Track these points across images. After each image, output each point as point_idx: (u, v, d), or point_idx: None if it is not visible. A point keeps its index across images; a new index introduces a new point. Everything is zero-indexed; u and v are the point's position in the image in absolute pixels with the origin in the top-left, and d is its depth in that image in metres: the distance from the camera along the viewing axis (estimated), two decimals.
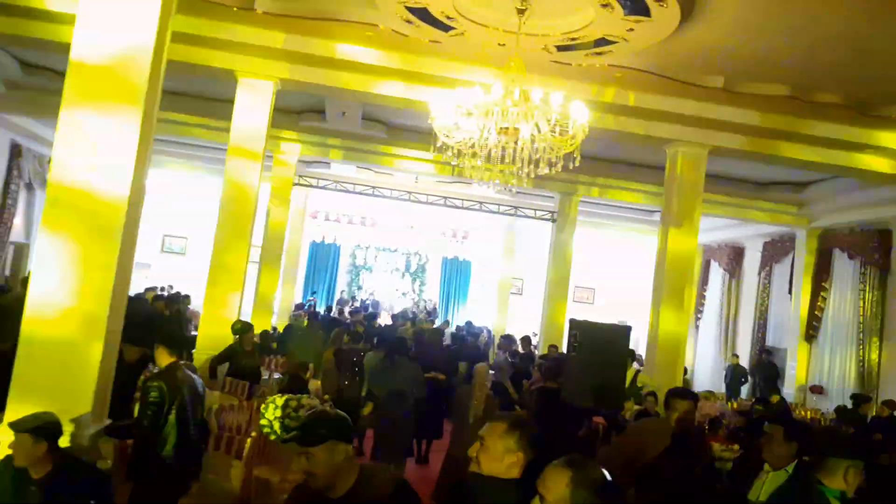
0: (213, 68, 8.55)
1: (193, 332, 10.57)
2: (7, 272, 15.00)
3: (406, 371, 7.80)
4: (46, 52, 9.87)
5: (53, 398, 4.15)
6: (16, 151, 14.42)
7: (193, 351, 8.43)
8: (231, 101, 8.71)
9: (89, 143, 4.44)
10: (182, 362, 4.99)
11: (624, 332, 6.92)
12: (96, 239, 4.43)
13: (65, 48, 4.74)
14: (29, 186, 15.35)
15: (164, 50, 4.85)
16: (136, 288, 16.75)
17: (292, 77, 8.55)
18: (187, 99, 11.76)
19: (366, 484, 2.76)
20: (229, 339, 8.16)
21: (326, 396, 7.95)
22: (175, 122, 12.12)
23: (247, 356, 7.96)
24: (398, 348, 8.11)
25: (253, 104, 8.59)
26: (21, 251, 15.64)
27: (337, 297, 21.50)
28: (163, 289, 15.55)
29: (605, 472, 2.15)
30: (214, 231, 8.63)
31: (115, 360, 4.70)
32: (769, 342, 16.00)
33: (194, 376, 4.95)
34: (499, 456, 2.60)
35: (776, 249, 16.03)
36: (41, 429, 3.66)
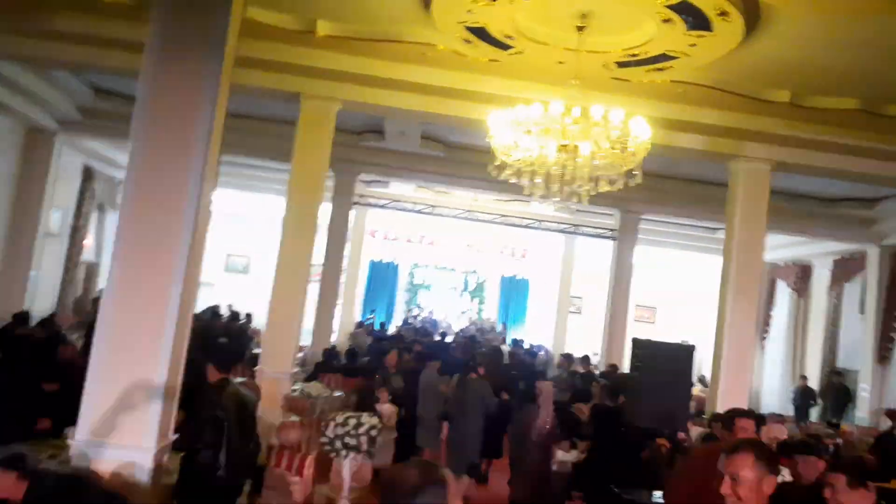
0: (277, 90, 8.75)
1: (256, 350, 10.75)
2: (79, 291, 15.51)
3: (478, 388, 7.88)
4: (118, 77, 10.24)
5: (119, 416, 4.25)
6: (88, 174, 14.95)
7: (256, 368, 8.55)
8: (293, 123, 8.88)
9: (158, 168, 4.57)
10: (239, 379, 5.07)
11: (688, 351, 6.78)
12: (163, 260, 4.54)
13: (134, 73, 4.90)
14: (100, 207, 15.88)
15: (229, 73, 4.97)
16: (200, 306, 17.18)
17: (354, 98, 8.68)
18: (251, 121, 12.03)
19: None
20: (288, 358, 8.29)
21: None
22: (238, 143, 12.39)
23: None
24: (471, 366, 8.24)
25: (315, 125, 8.75)
26: (92, 270, 16.17)
27: (400, 315, 21.66)
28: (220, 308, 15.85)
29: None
30: (277, 250, 8.78)
31: (178, 378, 4.77)
32: (840, 364, 15.43)
33: (245, 392, 5.01)
34: (756, 486, 2.55)
35: (846, 268, 15.49)
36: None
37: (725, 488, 2.57)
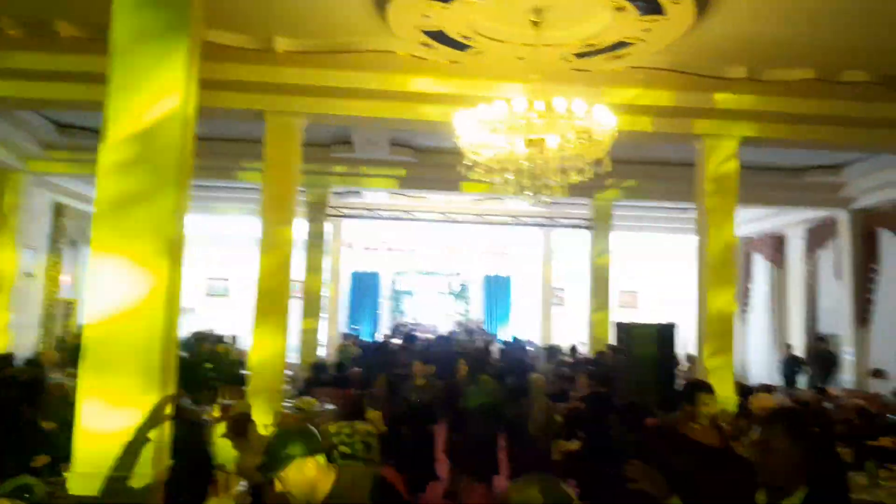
0: (241, 110, 8.76)
1: (243, 372, 10.72)
2: (59, 329, 15.37)
3: (486, 388, 7.92)
4: (80, 112, 10.19)
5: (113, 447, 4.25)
6: (58, 211, 14.83)
7: (244, 388, 8.54)
8: (260, 141, 8.89)
9: (128, 199, 4.56)
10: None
11: (670, 329, 6.86)
12: (141, 289, 4.54)
13: (97, 105, 4.89)
14: (73, 244, 15.76)
15: (194, 97, 4.98)
16: (184, 333, 17.08)
17: (318, 111, 8.71)
18: (218, 142, 12.01)
19: (344, 486, 2.88)
20: (277, 376, 8.29)
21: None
22: (207, 166, 12.37)
23: None
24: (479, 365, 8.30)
25: (282, 141, 8.76)
26: (71, 307, 16.03)
27: (388, 323, 21.69)
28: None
29: None
30: (256, 270, 8.77)
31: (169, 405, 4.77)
32: (822, 329, 15.67)
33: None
34: (783, 452, 2.66)
35: (819, 235, 15.72)
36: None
37: (757, 457, 2.71)
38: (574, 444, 7.70)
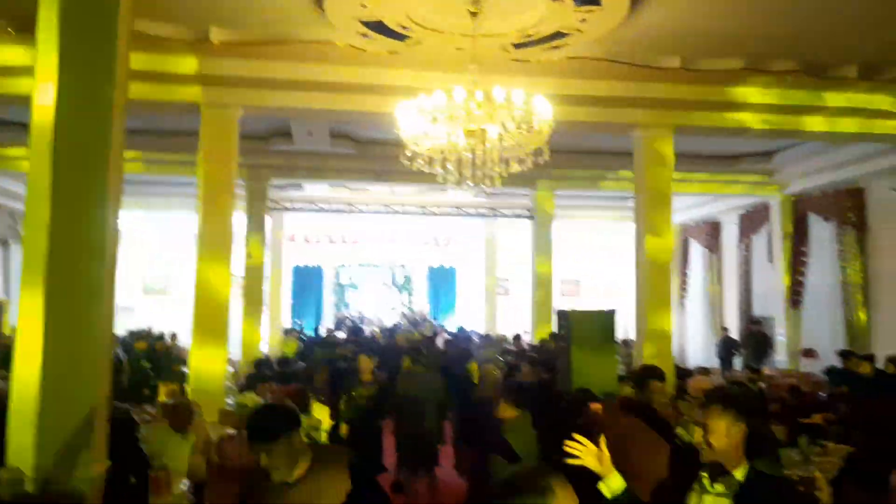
0: (175, 102, 8.57)
1: (185, 369, 10.53)
2: None
3: (424, 379, 7.89)
4: (4, 105, 9.82)
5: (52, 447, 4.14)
6: None
7: (186, 385, 8.40)
8: (196, 134, 8.71)
9: (59, 195, 4.43)
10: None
11: (610, 315, 6.97)
12: (74, 287, 4.41)
13: (24, 100, 4.73)
14: (4, 243, 15.21)
15: (125, 88, 4.86)
16: (121, 331, 16.68)
17: (255, 103, 8.58)
18: (153, 136, 11.75)
19: (320, 465, 2.89)
20: (219, 373, 8.16)
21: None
22: (142, 160, 12.11)
23: None
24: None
25: (218, 134, 8.60)
26: (2, 308, 15.48)
27: (332, 316, 21.51)
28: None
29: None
30: (195, 265, 8.62)
31: (107, 403, 4.67)
32: (756, 312, 16.16)
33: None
34: (724, 432, 2.73)
35: (752, 220, 16.21)
36: None
37: (698, 437, 2.80)
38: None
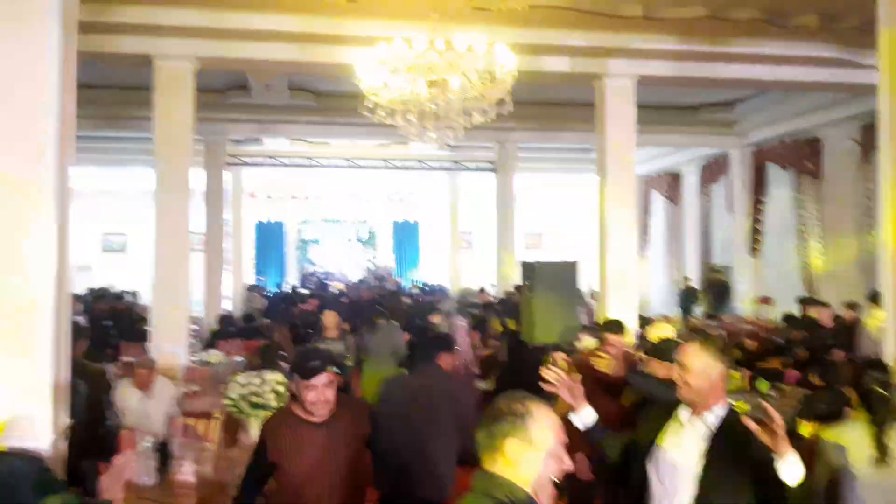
0: (127, 55, 8.30)
1: (146, 328, 10.41)
2: None
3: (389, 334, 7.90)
4: None
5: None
6: None
7: (148, 344, 8.30)
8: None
9: (7, 149, 4.28)
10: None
11: (572, 266, 7.01)
12: (29, 245, 4.30)
13: None
14: None
15: (74, 39, 4.68)
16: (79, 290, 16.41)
17: (210, 54, 8.33)
18: (106, 90, 11.41)
19: (344, 408, 3.17)
20: (181, 330, 8.11)
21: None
22: (96, 116, 11.76)
23: None
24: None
25: (173, 87, 8.36)
26: None
27: (295, 273, 21.39)
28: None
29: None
30: (153, 222, 8.46)
31: (67, 365, 4.59)
32: (716, 261, 16.44)
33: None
34: (701, 371, 2.75)
35: (712, 170, 16.37)
36: None
37: (675, 374, 2.83)
38: (489, 384, 7.88)
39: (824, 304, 10.04)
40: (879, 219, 5.73)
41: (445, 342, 4.63)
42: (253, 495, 3.25)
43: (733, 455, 2.62)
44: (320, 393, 3.05)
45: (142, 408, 5.72)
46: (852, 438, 3.26)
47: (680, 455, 2.75)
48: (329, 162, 16.17)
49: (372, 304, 10.89)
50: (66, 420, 4.48)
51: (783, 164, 14.06)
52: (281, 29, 8.02)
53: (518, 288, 12.09)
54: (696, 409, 2.78)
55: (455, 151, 16.41)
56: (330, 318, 7.94)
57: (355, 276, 21.06)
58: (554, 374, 2.97)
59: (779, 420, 2.42)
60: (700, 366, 2.76)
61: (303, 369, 3.07)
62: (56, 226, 4.43)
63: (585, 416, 2.98)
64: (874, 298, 9.73)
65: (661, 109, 13.38)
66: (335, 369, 3.10)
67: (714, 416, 2.74)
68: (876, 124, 5.95)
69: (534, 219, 20.50)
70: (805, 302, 10.58)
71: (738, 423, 2.59)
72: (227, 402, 4.96)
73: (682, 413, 2.82)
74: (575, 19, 8.38)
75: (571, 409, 2.99)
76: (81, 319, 12.65)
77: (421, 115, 6.83)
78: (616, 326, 5.26)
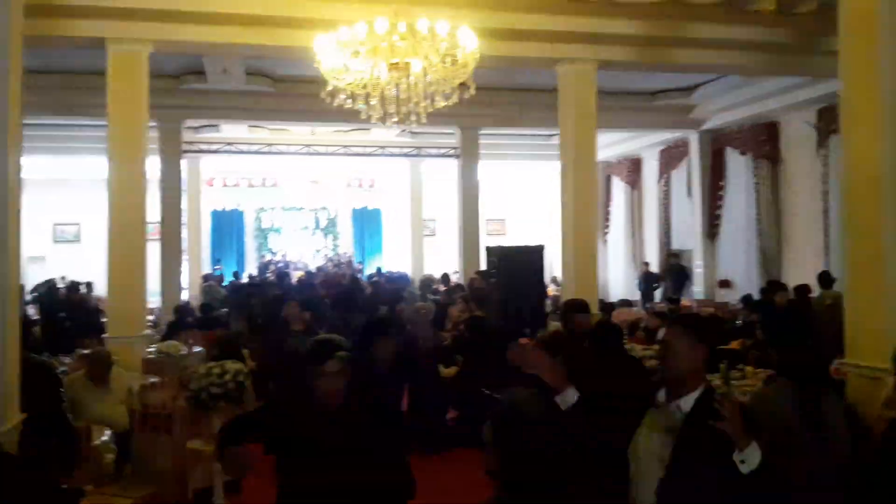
0: (79, 38, 8.05)
1: (103, 319, 10.18)
2: None
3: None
4: None
5: None
6: None
7: (105, 336, 8.11)
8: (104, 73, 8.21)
9: None
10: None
11: (538, 251, 7.00)
12: None
13: None
14: None
15: (19, 21, 4.50)
16: (31, 283, 16.01)
17: (165, 37, 8.10)
18: (58, 76, 11.08)
19: (357, 397, 3.12)
20: (138, 321, 7.92)
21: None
22: (47, 103, 11.42)
23: None
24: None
25: (127, 72, 8.12)
26: None
27: (254, 261, 21.07)
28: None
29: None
30: (108, 213, 8.24)
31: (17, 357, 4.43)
32: (675, 246, 16.61)
33: None
34: (685, 352, 2.71)
35: (672, 156, 16.51)
36: None
37: (658, 354, 2.83)
38: (452, 370, 7.85)
39: (782, 288, 10.18)
40: (837, 202, 5.81)
41: (382, 327, 4.61)
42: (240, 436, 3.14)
43: (704, 439, 2.56)
44: (330, 381, 3.01)
45: (98, 401, 5.56)
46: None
47: (654, 440, 2.71)
48: (288, 149, 15.94)
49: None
50: (17, 415, 4.32)
51: (742, 149, 14.24)
52: (238, 11, 7.86)
53: (480, 273, 12.08)
54: (675, 391, 2.74)
55: (417, 138, 16.30)
56: (293, 310, 7.65)
57: (315, 264, 20.83)
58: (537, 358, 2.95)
59: (731, 409, 2.44)
60: (684, 347, 2.72)
61: (313, 356, 3.06)
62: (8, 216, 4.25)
63: (568, 397, 2.93)
64: (823, 280, 10.01)
65: (620, 95, 13.43)
66: (344, 356, 3.05)
67: (691, 399, 2.70)
68: (833, 108, 5.98)
69: (497, 205, 20.48)
70: (770, 286, 10.76)
71: (713, 406, 2.55)
72: (187, 393, 4.84)
73: (660, 395, 2.79)
74: (538, 4, 8.37)
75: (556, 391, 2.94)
76: (32, 311, 12.37)
77: (382, 98, 6.73)
78: (582, 307, 5.25)
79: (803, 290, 9.92)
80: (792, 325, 8.22)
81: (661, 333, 2.93)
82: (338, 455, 2.95)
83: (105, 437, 4.92)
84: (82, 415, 5.37)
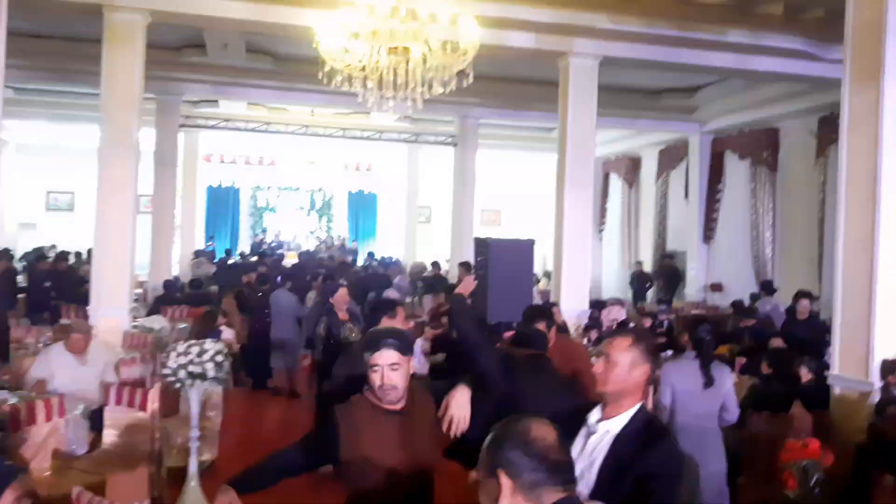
0: (74, 3, 7.93)
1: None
2: None
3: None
4: None
5: None
6: None
7: (87, 307, 8.02)
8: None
9: None
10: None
11: (528, 245, 6.91)
12: None
13: None
14: None
15: None
16: (21, 249, 15.93)
17: (163, 8, 8.00)
18: (55, 41, 10.94)
19: (417, 396, 2.82)
20: (123, 294, 7.86)
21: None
22: (42, 68, 11.30)
23: None
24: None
25: (123, 41, 8.01)
26: None
27: (247, 241, 20.97)
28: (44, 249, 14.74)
29: None
30: (97, 183, 8.15)
31: None
32: (670, 246, 16.55)
33: None
34: (626, 370, 2.48)
35: (671, 156, 16.42)
36: None
37: (598, 367, 2.55)
38: (438, 358, 7.80)
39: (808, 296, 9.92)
40: (836, 209, 5.74)
41: (387, 306, 4.54)
42: (275, 479, 2.75)
43: (625, 463, 2.34)
44: (384, 375, 2.68)
45: (75, 373, 5.49)
46: None
47: (582, 462, 2.42)
48: (286, 128, 15.81)
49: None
50: None
51: (741, 153, 14.17)
52: None
53: (464, 264, 11.94)
54: (608, 410, 2.49)
55: (415, 124, 16.20)
56: (342, 296, 6.83)
57: (308, 245, 20.75)
58: None
59: None
60: (625, 363, 2.48)
61: (365, 343, 2.79)
62: None
63: None
64: (764, 287, 10.12)
65: (623, 92, 13.34)
66: (399, 346, 2.72)
67: (623, 419, 2.45)
68: (834, 117, 5.93)
69: (493, 195, 20.39)
70: (763, 287, 10.80)
71: (644, 427, 2.38)
72: (165, 370, 4.77)
73: (592, 415, 2.52)
74: None
75: None
76: (21, 279, 12.27)
77: (380, 82, 6.64)
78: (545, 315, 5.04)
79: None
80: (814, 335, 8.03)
81: (602, 345, 2.69)
82: (394, 461, 2.68)
83: (78, 411, 4.84)
84: (58, 386, 5.30)
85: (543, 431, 1.80)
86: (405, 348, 2.75)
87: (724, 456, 4.43)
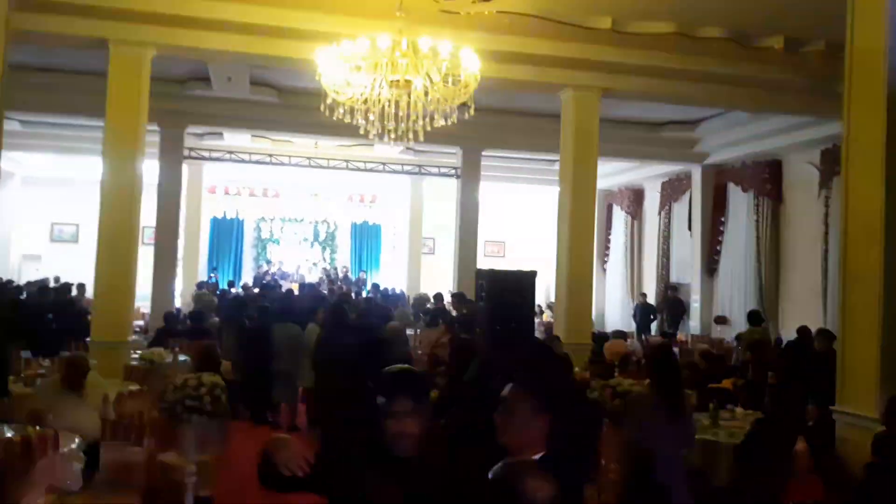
0: (81, 37, 8.02)
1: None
2: None
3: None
4: None
5: None
6: None
7: (88, 340, 8.00)
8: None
9: None
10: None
11: (530, 276, 6.90)
12: None
13: None
14: None
15: (3, 15, 4.44)
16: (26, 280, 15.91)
17: (168, 42, 8.09)
18: (63, 75, 11.05)
19: (429, 443, 2.52)
20: (124, 326, 7.83)
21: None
22: (48, 101, 11.40)
23: None
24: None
25: (128, 73, 8.09)
26: None
27: (251, 273, 20.92)
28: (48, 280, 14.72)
29: None
30: (99, 215, 8.17)
31: None
32: (673, 279, 16.49)
33: None
34: (524, 419, 2.42)
35: (674, 188, 16.43)
36: None
37: (497, 418, 2.47)
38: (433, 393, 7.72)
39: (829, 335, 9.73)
40: (838, 241, 5.71)
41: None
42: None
43: None
44: (401, 423, 2.37)
45: (71, 408, 5.43)
46: None
47: None
48: (290, 160, 15.88)
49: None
50: None
51: (744, 185, 14.17)
52: (242, 20, 7.84)
53: (457, 296, 11.83)
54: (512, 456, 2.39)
55: (419, 156, 16.26)
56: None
57: (312, 277, 20.72)
58: None
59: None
60: (524, 413, 2.42)
61: (381, 388, 2.45)
62: None
63: None
64: (752, 318, 10.27)
65: (624, 124, 13.39)
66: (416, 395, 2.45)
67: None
68: (837, 150, 5.92)
69: (497, 227, 20.39)
70: (751, 316, 10.72)
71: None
72: (162, 405, 4.72)
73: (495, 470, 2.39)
74: (543, 28, 8.33)
75: None
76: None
77: (382, 115, 6.69)
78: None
79: (804, 332, 9.78)
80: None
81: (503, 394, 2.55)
82: None
83: (74, 445, 4.78)
84: (53, 421, 5.23)
85: None
86: (421, 395, 2.48)
87: None
